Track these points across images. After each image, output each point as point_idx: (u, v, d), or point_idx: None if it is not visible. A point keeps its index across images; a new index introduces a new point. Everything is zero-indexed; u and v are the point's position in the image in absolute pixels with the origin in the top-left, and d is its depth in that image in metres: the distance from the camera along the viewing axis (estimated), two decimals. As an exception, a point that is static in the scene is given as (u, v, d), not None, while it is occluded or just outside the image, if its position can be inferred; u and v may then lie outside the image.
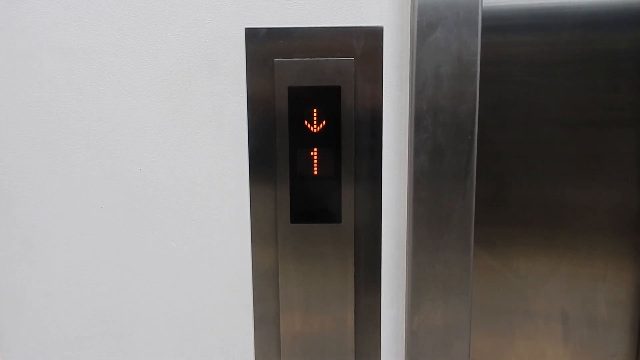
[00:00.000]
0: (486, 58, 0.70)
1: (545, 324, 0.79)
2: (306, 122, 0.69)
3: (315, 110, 0.69)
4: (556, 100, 0.73)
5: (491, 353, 0.80)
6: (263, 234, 0.73)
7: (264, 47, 0.68)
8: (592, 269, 0.78)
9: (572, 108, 0.73)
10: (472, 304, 0.76)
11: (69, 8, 0.68)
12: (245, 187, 0.72)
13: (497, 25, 0.71)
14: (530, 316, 0.79)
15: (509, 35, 0.72)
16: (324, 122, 0.69)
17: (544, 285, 0.78)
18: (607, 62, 0.73)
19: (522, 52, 0.72)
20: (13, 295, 0.76)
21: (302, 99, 0.69)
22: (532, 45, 0.72)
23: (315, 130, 0.69)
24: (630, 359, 0.81)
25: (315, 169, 0.70)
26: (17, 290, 0.76)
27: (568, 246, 0.77)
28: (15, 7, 0.68)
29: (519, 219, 0.76)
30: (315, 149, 0.70)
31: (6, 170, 0.72)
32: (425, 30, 0.64)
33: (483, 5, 0.69)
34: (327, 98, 0.69)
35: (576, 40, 0.72)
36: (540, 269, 0.78)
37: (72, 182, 0.72)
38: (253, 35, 0.68)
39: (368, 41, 0.68)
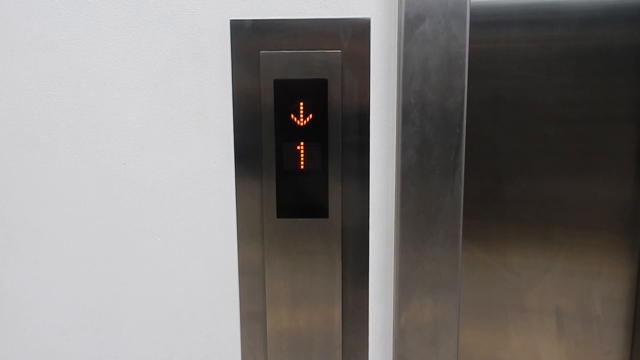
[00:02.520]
0: (480, 53, 0.70)
1: (540, 321, 0.79)
2: (292, 116, 0.69)
3: (301, 104, 0.68)
4: (551, 96, 0.73)
5: (485, 349, 0.80)
6: (249, 228, 0.72)
7: (250, 39, 0.68)
8: (586, 266, 0.78)
9: (567, 104, 0.73)
10: (466, 300, 0.77)
11: (52, 1, 0.68)
12: (230, 181, 0.71)
13: (491, 20, 0.71)
14: (525, 313, 0.79)
15: (503, 30, 0.71)
16: (311, 116, 0.69)
17: (538, 282, 0.78)
18: (602, 58, 0.72)
19: (516, 47, 0.71)
20: (-2, 290, 0.76)
21: (288, 92, 0.68)
22: (526, 41, 0.71)
23: (301, 123, 0.69)
24: (624, 355, 0.81)
25: (302, 163, 0.70)
26: (1, 286, 0.76)
27: (563, 242, 0.77)
28: (-4, -1, 0.68)
29: (513, 215, 0.76)
30: (302, 143, 0.69)
31: (-10, 164, 0.73)
32: (412, 22, 0.64)
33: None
34: (314, 91, 0.68)
35: (571, 36, 0.72)
36: (535, 265, 0.78)
37: (55, 177, 0.72)
38: (238, 27, 0.67)
39: (355, 33, 0.67)
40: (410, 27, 0.64)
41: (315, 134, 0.69)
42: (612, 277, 0.78)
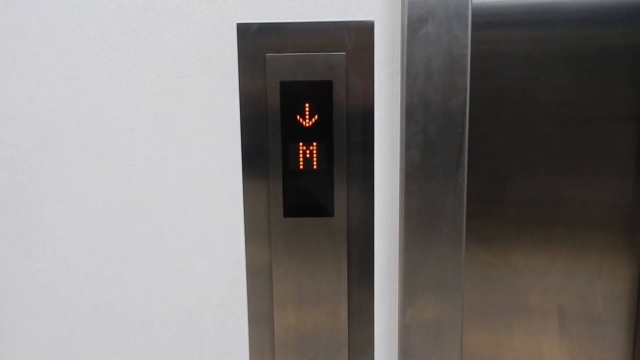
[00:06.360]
0: (481, 54, 0.70)
1: (542, 319, 0.80)
2: (298, 117, 0.69)
3: (307, 105, 0.69)
4: (552, 96, 0.73)
5: (488, 348, 0.80)
6: (256, 228, 0.73)
7: (256, 42, 0.69)
8: (588, 265, 0.78)
9: (568, 104, 0.74)
10: (469, 298, 0.77)
11: (62, 5, 0.69)
12: (238, 181, 0.72)
13: (492, 21, 0.71)
14: (527, 311, 0.79)
15: (504, 31, 0.72)
16: (316, 117, 0.69)
17: (540, 281, 0.78)
18: (602, 57, 0.73)
19: (517, 47, 0.72)
20: (9, 291, 0.77)
21: (294, 94, 0.69)
22: (527, 41, 0.72)
23: (307, 124, 0.70)
24: (626, 353, 0.81)
25: (308, 163, 0.70)
26: (14, 286, 0.76)
27: (564, 242, 0.77)
28: (8, 4, 0.69)
29: (515, 214, 0.77)
30: (308, 143, 0.70)
31: (1, 167, 0.73)
32: (415, 24, 0.64)
33: (479, 1, 0.70)
34: (319, 92, 0.69)
35: (571, 36, 0.72)
36: (537, 265, 0.78)
37: (66, 178, 0.73)
38: (245, 31, 0.68)
39: (359, 35, 0.68)
40: (413, 29, 0.64)
41: (321, 134, 0.70)
42: (613, 276, 0.78)
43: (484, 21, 0.71)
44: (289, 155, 0.70)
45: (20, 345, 0.78)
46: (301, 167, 0.70)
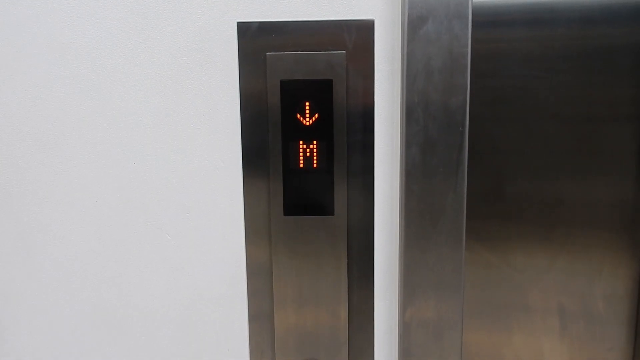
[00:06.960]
0: (482, 53, 0.70)
1: (542, 319, 0.79)
2: (298, 116, 0.69)
3: (307, 104, 0.69)
4: (552, 95, 0.73)
5: (488, 347, 0.80)
6: (257, 226, 0.73)
7: (256, 41, 0.69)
8: (588, 264, 0.78)
9: (569, 103, 0.74)
10: (469, 298, 0.77)
11: (62, 4, 0.69)
12: (238, 180, 0.72)
13: (493, 20, 0.71)
14: (528, 311, 0.79)
15: (504, 30, 0.72)
16: (317, 116, 0.69)
17: (541, 280, 0.78)
18: (603, 57, 0.73)
19: (518, 46, 0.72)
20: (9, 290, 0.77)
21: (294, 93, 0.69)
22: (528, 40, 0.72)
23: (307, 123, 0.70)
24: (626, 353, 0.81)
25: (308, 161, 0.70)
26: (13, 284, 0.76)
27: (564, 241, 0.77)
28: (9, 2, 0.69)
29: (516, 213, 0.77)
30: (308, 142, 0.70)
31: (1, 166, 0.73)
32: (416, 23, 0.64)
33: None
34: (319, 91, 0.69)
35: (572, 35, 0.72)
36: (537, 264, 0.78)
37: (66, 177, 0.73)
38: (245, 30, 0.68)
39: (359, 34, 0.68)
40: (414, 27, 0.64)
41: (321, 133, 0.70)
42: (614, 275, 0.78)
43: (485, 20, 0.71)
44: (289, 154, 0.70)
45: (20, 345, 0.78)
46: (301, 165, 0.70)
